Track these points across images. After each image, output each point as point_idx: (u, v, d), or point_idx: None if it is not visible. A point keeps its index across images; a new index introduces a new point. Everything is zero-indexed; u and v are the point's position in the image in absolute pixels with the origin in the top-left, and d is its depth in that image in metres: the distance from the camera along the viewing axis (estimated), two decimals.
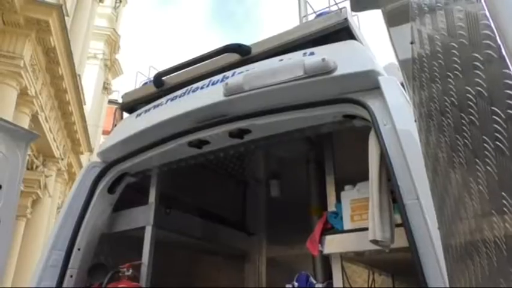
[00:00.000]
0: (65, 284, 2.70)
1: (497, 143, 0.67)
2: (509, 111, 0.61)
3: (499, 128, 0.65)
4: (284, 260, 3.96)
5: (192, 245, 3.72)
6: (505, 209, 0.72)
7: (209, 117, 2.55)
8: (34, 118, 11.76)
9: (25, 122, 10.64)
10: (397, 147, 1.91)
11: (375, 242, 1.94)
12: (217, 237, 3.71)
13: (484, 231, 0.94)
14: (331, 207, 2.60)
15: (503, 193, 0.70)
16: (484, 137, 0.72)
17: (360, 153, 2.26)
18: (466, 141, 0.87)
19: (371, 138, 2.09)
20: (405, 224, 1.85)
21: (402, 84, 2.17)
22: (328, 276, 2.60)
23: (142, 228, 3.02)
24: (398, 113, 2.02)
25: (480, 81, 0.71)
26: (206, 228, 3.60)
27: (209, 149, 2.71)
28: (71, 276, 2.73)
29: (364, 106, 2.10)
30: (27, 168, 13.13)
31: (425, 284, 1.78)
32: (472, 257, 1.11)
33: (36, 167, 14.07)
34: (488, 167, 0.76)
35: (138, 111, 3.03)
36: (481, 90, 0.71)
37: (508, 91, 0.59)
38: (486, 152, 0.72)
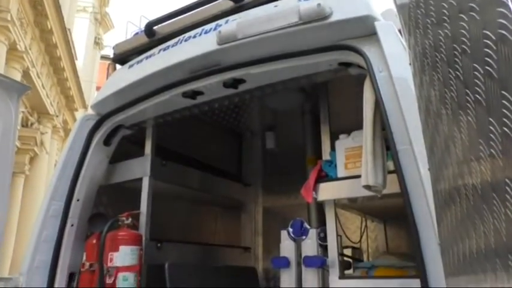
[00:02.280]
0: (66, 233, 2.78)
1: (477, 96, 0.67)
2: (487, 67, 0.61)
3: (478, 82, 0.65)
4: (279, 210, 4.07)
5: (190, 196, 3.79)
6: (481, 154, 0.73)
7: (202, 67, 2.51)
8: (26, 74, 11.56)
9: (17, 78, 10.47)
10: (392, 94, 1.91)
11: (367, 187, 1.98)
12: (214, 188, 3.78)
13: (464, 176, 0.97)
14: (326, 155, 2.63)
15: (480, 140, 0.71)
16: (467, 90, 0.72)
17: (355, 104, 2.26)
18: (452, 94, 0.87)
19: (366, 86, 2.08)
20: (397, 170, 1.88)
21: (400, 31, 2.13)
22: (322, 223, 2.67)
23: (140, 180, 3.07)
24: (394, 59, 2.00)
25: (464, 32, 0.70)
26: (203, 180, 3.65)
27: (203, 100, 2.70)
28: (72, 225, 2.81)
29: (359, 53, 2.07)
30: (22, 126, 13.08)
31: (416, 229, 1.84)
32: (454, 200, 1.14)
33: (31, 124, 14.04)
34: (469, 117, 0.77)
35: (130, 63, 2.98)
36: (465, 47, 0.70)
37: (486, 49, 0.58)
38: (468, 104, 0.73)
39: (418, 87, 1.23)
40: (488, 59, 0.58)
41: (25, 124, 13.51)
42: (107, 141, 3.02)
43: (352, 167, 2.37)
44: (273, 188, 4.20)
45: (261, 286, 3.81)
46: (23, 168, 13.30)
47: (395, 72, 1.94)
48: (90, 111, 3.12)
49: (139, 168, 3.08)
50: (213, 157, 3.96)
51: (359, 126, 2.16)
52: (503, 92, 0.57)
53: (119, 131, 3.05)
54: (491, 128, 0.65)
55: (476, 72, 0.66)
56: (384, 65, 2.00)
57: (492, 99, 0.62)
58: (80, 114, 18.21)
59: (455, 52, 0.72)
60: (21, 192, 13.12)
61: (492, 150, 0.68)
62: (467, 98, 0.69)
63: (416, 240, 1.75)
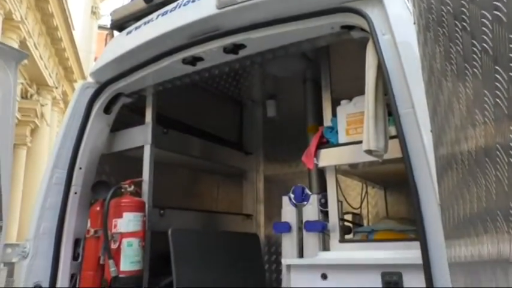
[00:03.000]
0: (70, 201, 2.82)
1: (484, 44, 0.66)
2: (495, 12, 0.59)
3: (486, 30, 0.64)
4: (280, 178, 4.09)
5: (191, 164, 3.81)
6: (476, 122, 0.73)
7: (202, 32, 2.47)
8: (23, 45, 11.39)
9: None
10: (395, 57, 1.88)
11: (368, 152, 1.98)
12: (215, 156, 3.79)
13: (461, 142, 0.97)
14: (327, 122, 2.62)
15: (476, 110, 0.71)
16: (473, 41, 0.71)
17: (357, 70, 2.22)
18: (458, 48, 0.85)
19: (368, 49, 2.05)
20: (399, 134, 1.88)
21: None
22: (322, 190, 2.70)
23: (141, 148, 3.07)
24: (398, 22, 1.96)
25: None
26: (204, 148, 3.66)
27: (204, 67, 2.66)
28: (75, 193, 2.84)
29: (362, 15, 2.02)
30: (22, 97, 13.02)
31: (417, 194, 1.85)
32: (452, 165, 1.15)
33: (31, 95, 13.97)
34: (467, 89, 0.76)
35: (129, 29, 2.92)
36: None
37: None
38: (474, 55, 0.72)
39: (422, 45, 1.21)
40: (485, 37, 0.57)
41: (25, 96, 13.45)
42: (107, 110, 3.01)
43: (353, 133, 2.37)
44: (274, 156, 4.22)
45: (263, 251, 3.89)
46: (24, 140, 13.35)
47: (398, 35, 1.90)
48: (89, 79, 3.09)
49: (141, 137, 3.08)
50: (214, 126, 3.95)
51: (361, 92, 2.14)
52: (496, 67, 0.57)
53: (119, 99, 3.03)
54: (485, 98, 0.67)
55: (474, 42, 0.66)
56: (387, 27, 1.96)
57: (486, 72, 0.63)
58: (79, 85, 18.07)
59: (463, 2, 0.71)
60: (24, 164, 13.22)
61: (486, 119, 0.70)
62: (466, 71, 0.69)
63: (416, 204, 1.77)
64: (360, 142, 2.07)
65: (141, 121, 3.17)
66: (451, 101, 0.93)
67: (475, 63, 0.68)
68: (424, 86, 1.43)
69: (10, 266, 8.83)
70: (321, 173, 2.79)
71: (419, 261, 1.66)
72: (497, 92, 0.58)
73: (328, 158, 2.44)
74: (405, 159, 1.91)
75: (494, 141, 0.67)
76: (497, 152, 0.63)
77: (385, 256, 1.88)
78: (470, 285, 1.05)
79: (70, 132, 2.87)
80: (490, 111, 0.62)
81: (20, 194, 12.31)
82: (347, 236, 2.55)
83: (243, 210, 4.13)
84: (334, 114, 2.56)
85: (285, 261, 2.14)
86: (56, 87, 15.59)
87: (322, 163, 2.45)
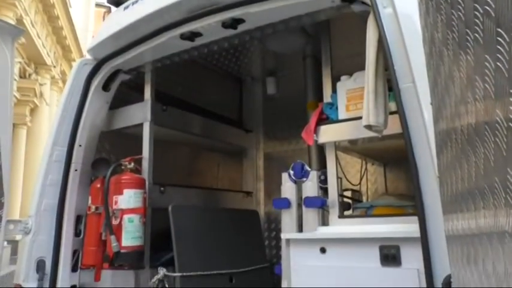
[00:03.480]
0: (70, 178, 2.83)
1: (486, 7, 0.64)
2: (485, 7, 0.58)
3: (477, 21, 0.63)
4: (280, 155, 4.10)
5: (191, 142, 3.82)
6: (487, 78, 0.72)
7: (200, 7, 2.42)
8: (19, 23, 11.21)
9: None
10: (396, 30, 1.85)
11: (368, 127, 1.98)
12: (215, 134, 3.79)
13: (455, 120, 0.96)
14: (327, 98, 2.61)
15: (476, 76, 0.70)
16: (475, 5, 0.69)
17: (358, 46, 2.19)
18: (460, 13, 0.84)
19: (369, 23, 2.01)
20: (399, 109, 1.87)
21: None
22: (322, 167, 2.70)
23: (141, 125, 3.07)
24: None
25: None
26: (204, 126, 3.65)
27: (202, 42, 2.63)
28: (76, 170, 2.85)
29: None
30: (20, 77, 12.93)
31: (416, 170, 1.85)
32: (450, 137, 1.14)
33: (29, 75, 13.86)
34: (476, 34, 0.75)
35: (126, 4, 2.87)
36: None
37: None
38: (476, 20, 0.70)
39: (423, 15, 1.19)
40: None
41: (23, 75, 13.35)
42: (105, 87, 2.99)
43: (353, 109, 2.36)
44: (274, 133, 4.21)
45: (263, 228, 3.93)
46: (24, 119, 13.33)
47: (400, 7, 1.87)
48: (87, 56, 3.06)
49: (140, 114, 3.07)
50: (213, 103, 3.93)
51: (361, 68, 2.12)
52: (498, 29, 0.56)
53: (117, 76, 3.00)
54: (486, 63, 0.65)
55: (476, 5, 0.64)
56: (389, 0, 1.92)
57: (488, 36, 0.61)
58: None
59: None
60: (24, 144, 13.24)
61: (486, 85, 0.68)
62: (467, 37, 0.68)
63: (416, 179, 1.77)
64: (360, 118, 2.06)
65: (140, 98, 3.15)
66: (451, 69, 0.92)
67: (476, 27, 0.67)
68: (425, 58, 1.41)
69: (14, 244, 8.96)
70: (321, 150, 2.79)
71: (417, 234, 1.68)
72: (499, 56, 0.57)
73: (328, 134, 2.44)
74: (405, 134, 1.90)
75: (494, 107, 0.66)
76: (497, 118, 0.62)
77: (383, 230, 1.90)
78: (467, 257, 1.06)
79: (68, 109, 2.86)
80: (491, 75, 0.62)
81: (21, 173, 12.39)
82: (346, 212, 2.57)
83: (243, 187, 4.15)
84: (334, 91, 2.55)
85: (284, 235, 2.16)
86: (54, 66, 15.46)
87: (321, 139, 2.45)
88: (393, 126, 2.05)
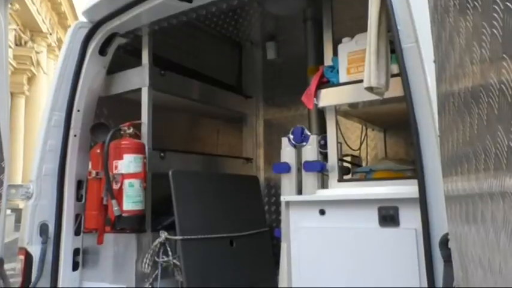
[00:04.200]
0: (70, 143, 2.83)
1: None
2: None
3: None
4: (280, 121, 4.08)
5: (191, 108, 3.79)
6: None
7: None
8: None
9: None
10: None
11: (369, 89, 1.95)
12: (214, 99, 3.75)
13: (453, 83, 0.94)
14: (328, 61, 2.56)
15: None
16: None
17: (360, 9, 2.13)
18: None
19: None
20: (401, 69, 1.84)
21: None
22: (322, 132, 2.69)
23: (139, 90, 3.03)
24: None
25: None
26: (203, 91, 3.61)
27: (200, 3, 2.55)
28: (75, 135, 2.84)
29: None
30: (16, 44, 12.73)
31: (417, 133, 1.84)
32: (450, 99, 1.12)
33: (25, 42, 13.65)
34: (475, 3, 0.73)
35: None
36: None
37: None
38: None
39: None
40: None
41: (19, 43, 13.14)
42: (102, 51, 2.93)
43: (354, 72, 2.32)
44: (274, 100, 4.18)
45: (263, 194, 3.97)
46: (22, 88, 13.23)
47: None
48: (82, 18, 2.98)
49: (138, 78, 3.03)
50: (212, 68, 3.88)
51: (363, 31, 2.07)
52: None
53: (113, 39, 2.94)
54: (483, 30, 0.66)
55: None
56: None
57: (485, 3, 0.61)
58: None
59: None
60: (23, 113, 13.20)
61: (483, 50, 0.68)
62: (467, 4, 0.66)
63: (416, 141, 1.77)
64: (361, 81, 2.03)
65: (138, 63, 3.10)
66: (456, 20, 0.89)
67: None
68: (429, 12, 1.37)
69: (18, 212, 9.11)
70: (321, 115, 2.77)
71: (416, 195, 1.69)
72: (494, 22, 0.57)
73: (328, 97, 2.41)
74: (406, 96, 1.88)
75: (489, 72, 0.66)
76: (490, 81, 0.62)
77: (382, 191, 1.91)
78: (466, 216, 1.07)
79: (65, 74, 2.82)
80: (487, 41, 0.61)
81: (21, 141, 12.44)
82: (346, 177, 2.58)
83: (242, 154, 4.16)
84: (335, 54, 2.50)
85: (283, 198, 2.18)
86: (50, 34, 15.20)
87: (322, 103, 2.43)
88: (395, 89, 2.03)
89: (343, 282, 1.90)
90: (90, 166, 2.85)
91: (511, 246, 0.67)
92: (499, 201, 0.74)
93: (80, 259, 2.93)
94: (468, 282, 1.00)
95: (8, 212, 12.31)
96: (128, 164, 2.67)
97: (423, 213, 1.60)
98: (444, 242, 1.54)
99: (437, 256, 1.61)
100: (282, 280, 2.45)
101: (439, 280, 1.58)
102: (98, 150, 2.82)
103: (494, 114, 0.68)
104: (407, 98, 1.87)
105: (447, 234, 1.50)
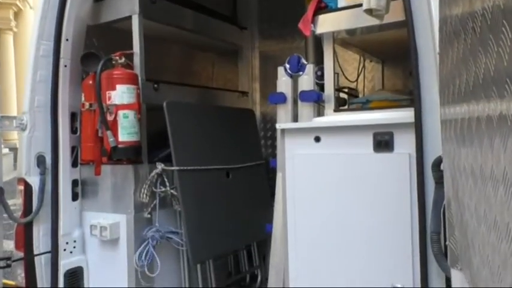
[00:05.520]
0: (60, 74, 2.76)
1: None
2: None
3: None
4: (276, 54, 3.98)
5: (184, 39, 3.67)
6: None
7: None
8: None
9: None
10: None
11: (369, 11, 1.87)
12: (208, 30, 3.62)
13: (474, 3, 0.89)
14: None
15: None
16: None
17: None
18: None
19: None
20: None
21: None
22: (319, 63, 2.63)
23: (130, 19, 2.91)
24: None
25: None
26: (196, 20, 3.47)
27: None
28: (65, 66, 2.77)
29: None
30: None
31: (416, 54, 1.80)
32: (459, 36, 1.07)
33: None
34: None
35: None
36: None
37: None
38: None
39: None
40: None
41: None
42: None
43: None
44: (270, 31, 4.04)
45: (259, 128, 3.98)
46: (9, 24, 12.76)
47: None
48: None
49: (127, 6, 2.89)
50: None
51: None
52: None
53: None
54: None
55: None
56: None
57: None
58: None
59: None
60: (12, 49, 12.85)
61: None
62: None
63: (415, 62, 1.73)
64: (360, 5, 1.94)
65: None
66: None
67: None
68: None
69: (15, 152, 9.18)
70: (318, 45, 2.68)
71: (412, 119, 1.68)
72: None
73: (326, 23, 2.32)
74: (408, 19, 1.82)
75: None
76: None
77: (378, 117, 1.90)
78: (462, 140, 1.06)
79: (51, 0, 2.69)
80: None
81: (13, 77, 12.25)
82: (342, 108, 2.57)
83: (238, 88, 4.10)
84: None
85: (279, 125, 2.17)
86: None
87: (319, 29, 2.34)
88: (395, 14, 1.95)
89: (338, 208, 1.95)
90: (83, 98, 2.81)
91: (506, 152, 0.66)
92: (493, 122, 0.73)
93: (79, 190, 2.98)
94: (458, 190, 1.02)
95: (6, 150, 12.40)
96: (121, 94, 2.63)
97: (417, 136, 1.60)
98: (437, 163, 1.56)
99: (429, 178, 1.64)
100: (277, 210, 2.52)
101: (429, 201, 1.63)
102: (90, 82, 2.76)
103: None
104: (408, 20, 1.81)
105: (440, 156, 1.52)
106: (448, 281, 1.56)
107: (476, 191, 0.89)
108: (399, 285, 1.75)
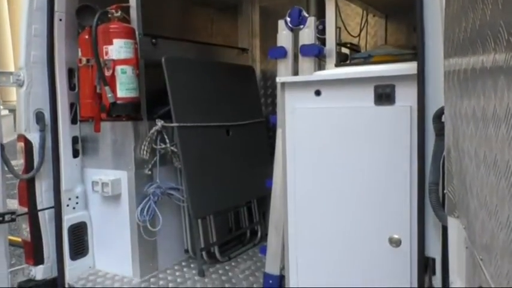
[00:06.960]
0: (56, 28, 2.70)
1: None
2: None
3: None
4: (277, 9, 3.86)
5: None
6: None
7: None
8: None
9: None
10: None
11: None
12: None
13: None
14: None
15: None
16: None
17: None
18: None
19: None
20: None
21: None
22: (321, 16, 2.55)
23: None
24: None
25: None
26: None
27: None
28: (60, 19, 2.70)
29: None
30: None
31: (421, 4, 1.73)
32: None
33: None
34: None
35: None
36: None
37: None
38: None
39: None
40: None
41: None
42: None
43: None
44: None
45: (259, 86, 3.93)
46: None
47: None
48: None
49: None
50: None
51: None
52: None
53: None
54: None
55: None
56: None
57: None
58: None
59: None
60: (7, 9, 12.51)
61: None
62: None
63: (419, 12, 1.67)
64: None
65: None
66: None
67: None
68: None
69: (14, 113, 9.15)
70: None
71: (414, 71, 1.65)
72: None
73: None
74: None
75: None
76: None
77: (379, 69, 1.87)
78: (466, 86, 1.04)
79: None
80: None
81: (8, 35, 12.03)
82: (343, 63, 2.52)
83: (238, 45, 4.01)
84: None
85: (279, 79, 2.13)
86: None
87: None
88: None
89: (338, 162, 1.95)
90: (80, 53, 2.76)
91: (510, 90, 0.65)
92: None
93: (79, 147, 2.99)
94: (459, 138, 1.02)
95: (6, 112, 12.35)
96: (118, 49, 2.57)
97: (419, 87, 1.58)
98: (438, 115, 1.54)
99: (430, 131, 1.63)
100: (277, 166, 2.53)
101: (429, 153, 1.63)
102: (87, 36, 2.70)
103: None
104: None
105: (442, 107, 1.50)
106: (444, 231, 1.58)
107: (476, 135, 0.88)
108: (396, 236, 1.79)
